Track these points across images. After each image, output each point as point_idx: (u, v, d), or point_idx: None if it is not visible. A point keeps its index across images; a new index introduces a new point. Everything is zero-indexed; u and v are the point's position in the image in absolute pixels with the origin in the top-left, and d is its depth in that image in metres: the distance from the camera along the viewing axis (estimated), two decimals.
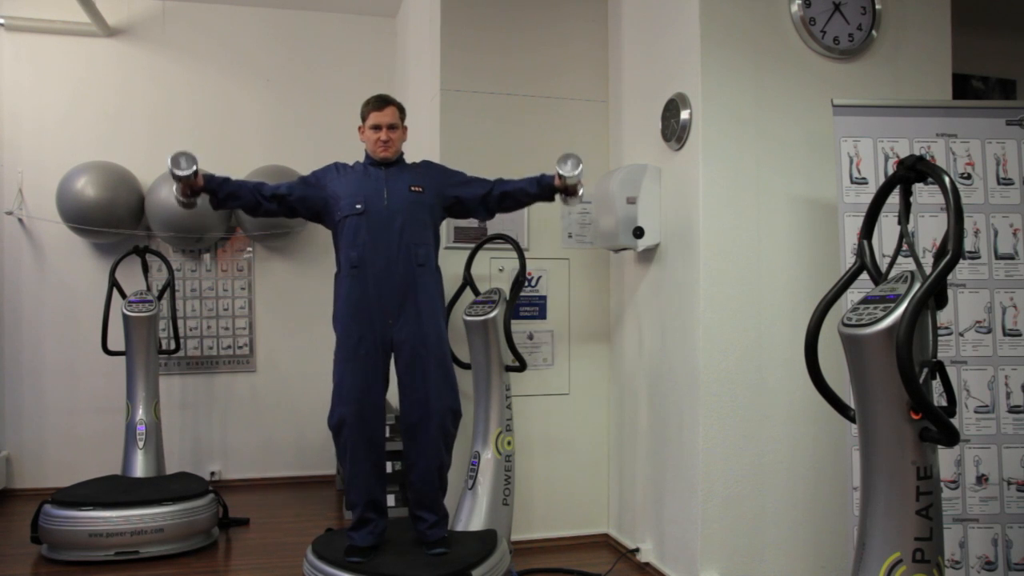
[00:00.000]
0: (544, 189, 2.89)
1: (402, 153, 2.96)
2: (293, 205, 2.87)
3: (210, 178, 2.74)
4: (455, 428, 2.86)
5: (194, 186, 2.66)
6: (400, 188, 2.83)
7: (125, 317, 3.89)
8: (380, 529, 2.82)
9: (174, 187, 2.67)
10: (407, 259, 2.78)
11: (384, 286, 2.75)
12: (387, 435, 2.89)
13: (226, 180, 2.80)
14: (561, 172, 2.78)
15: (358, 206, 2.78)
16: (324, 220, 2.92)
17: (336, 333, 2.83)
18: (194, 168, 2.62)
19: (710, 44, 2.94)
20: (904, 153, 2.68)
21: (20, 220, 4.55)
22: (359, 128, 2.93)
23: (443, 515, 2.87)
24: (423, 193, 2.86)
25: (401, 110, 2.92)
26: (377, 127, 2.85)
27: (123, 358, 3.95)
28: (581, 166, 2.78)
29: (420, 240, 2.82)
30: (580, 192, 2.85)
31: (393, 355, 2.81)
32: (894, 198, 1.89)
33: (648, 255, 3.35)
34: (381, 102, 2.87)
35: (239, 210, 2.87)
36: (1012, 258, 2.70)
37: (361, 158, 2.98)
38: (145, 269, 4.24)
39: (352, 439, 2.73)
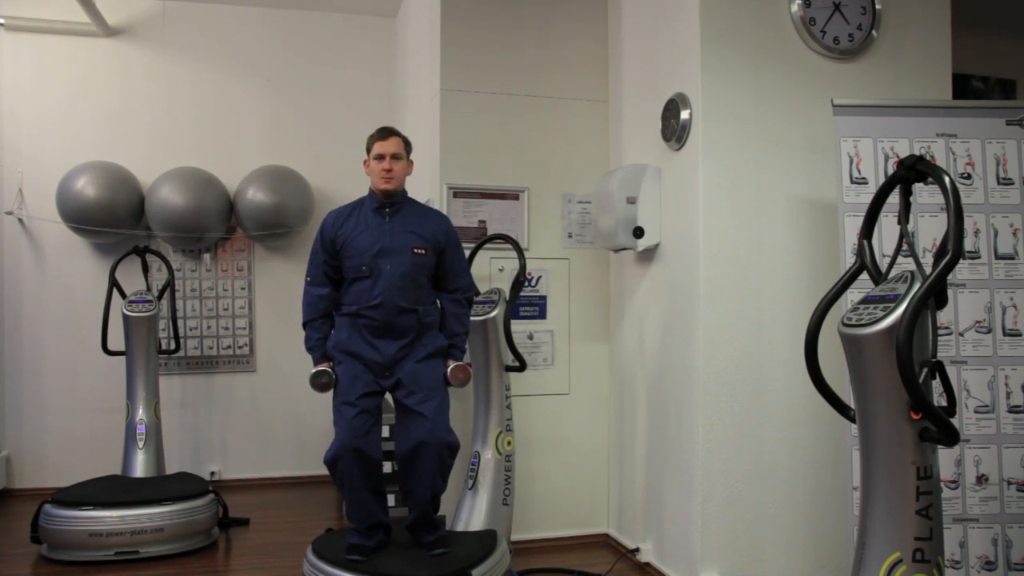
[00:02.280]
0: (442, 352, 2.87)
1: (406, 192, 2.92)
2: (336, 277, 2.85)
3: (324, 355, 2.82)
4: (452, 460, 2.82)
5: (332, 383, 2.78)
6: (404, 245, 2.79)
7: (125, 317, 3.89)
8: (384, 537, 2.82)
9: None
10: (408, 319, 2.77)
11: (383, 344, 2.76)
12: (386, 435, 2.89)
13: (322, 339, 2.84)
14: (448, 376, 2.84)
15: (363, 268, 2.77)
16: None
17: (336, 375, 2.79)
18: (334, 379, 2.77)
19: (710, 44, 2.94)
20: (904, 153, 2.68)
21: (20, 220, 4.55)
22: (364, 161, 2.88)
23: (439, 524, 2.86)
24: (425, 255, 2.82)
25: (406, 143, 2.88)
26: (381, 157, 2.81)
27: (123, 358, 3.96)
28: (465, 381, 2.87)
29: (419, 299, 2.80)
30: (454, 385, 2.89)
31: (391, 395, 2.82)
32: (894, 198, 1.89)
33: (648, 255, 3.35)
34: (385, 132, 2.85)
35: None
36: (1012, 258, 2.70)
37: (364, 190, 2.93)
38: (145, 269, 4.24)
39: (350, 472, 2.70)
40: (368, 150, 2.87)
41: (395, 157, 2.82)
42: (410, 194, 2.97)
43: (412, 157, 2.93)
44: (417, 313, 2.79)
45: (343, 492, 2.80)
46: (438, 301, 2.93)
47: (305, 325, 2.86)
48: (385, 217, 2.84)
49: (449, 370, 2.84)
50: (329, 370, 2.77)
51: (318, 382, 2.76)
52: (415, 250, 2.80)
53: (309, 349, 2.84)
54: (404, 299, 2.76)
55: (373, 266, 2.76)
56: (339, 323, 2.83)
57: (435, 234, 2.86)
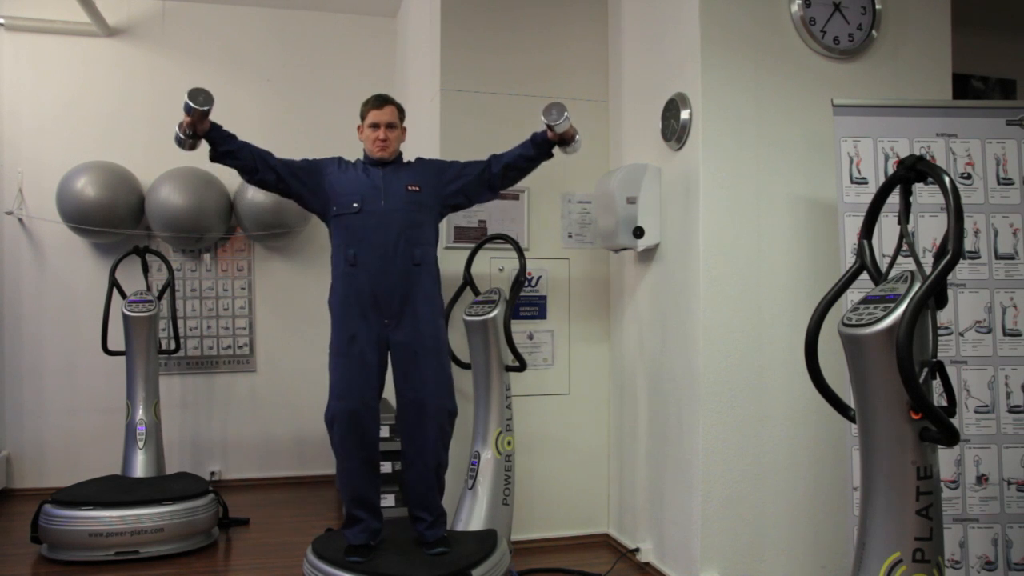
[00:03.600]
0: (540, 146, 2.86)
1: (400, 154, 2.96)
2: (289, 181, 2.85)
3: (217, 127, 2.73)
4: (451, 428, 2.86)
5: (200, 126, 2.66)
6: (397, 188, 2.83)
7: (125, 317, 3.89)
8: (372, 528, 2.81)
9: (178, 125, 2.66)
10: (404, 259, 2.77)
11: (380, 286, 2.75)
12: (386, 435, 2.89)
13: (232, 136, 2.79)
14: (548, 122, 2.76)
15: (354, 204, 2.78)
16: (314, 205, 2.90)
17: (332, 324, 2.82)
18: (208, 108, 2.62)
19: (710, 44, 2.94)
20: (904, 153, 2.68)
21: (20, 220, 4.55)
22: (358, 128, 2.94)
23: (440, 514, 2.86)
24: (420, 192, 2.85)
25: (400, 110, 2.92)
26: (376, 125, 2.85)
27: (123, 358, 3.95)
28: (566, 113, 2.75)
29: (417, 240, 2.81)
30: (577, 136, 2.82)
31: (390, 354, 2.81)
32: (894, 198, 1.89)
33: (648, 255, 3.35)
34: (380, 101, 2.88)
35: (235, 170, 2.85)
36: (1012, 258, 2.70)
37: (360, 157, 2.98)
38: (145, 269, 4.24)
39: (342, 435, 2.73)
40: (363, 116, 2.90)
41: (390, 126, 2.86)
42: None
43: (406, 125, 2.97)
44: (415, 251, 2.79)
45: (336, 458, 2.82)
46: (492, 171, 2.91)
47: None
48: (379, 170, 2.88)
49: (547, 132, 2.79)
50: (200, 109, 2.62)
51: (196, 97, 2.59)
52: (409, 187, 2.83)
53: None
54: (401, 232, 2.77)
55: (365, 201, 2.78)
56: (336, 275, 2.83)
57: (427, 174, 2.90)
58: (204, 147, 2.84)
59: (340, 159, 2.95)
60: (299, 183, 2.86)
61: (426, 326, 2.79)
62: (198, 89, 2.61)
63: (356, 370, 2.73)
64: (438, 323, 2.85)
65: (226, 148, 2.77)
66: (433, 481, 2.82)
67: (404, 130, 2.96)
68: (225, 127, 2.81)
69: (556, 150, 2.88)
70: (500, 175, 2.93)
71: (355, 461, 2.76)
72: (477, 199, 3.02)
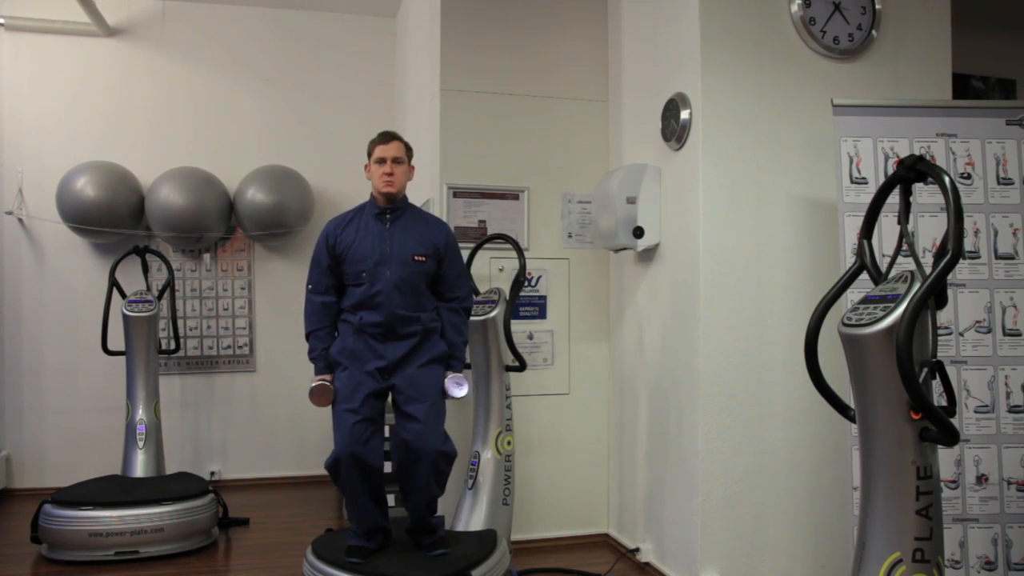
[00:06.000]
0: (441, 361, 2.86)
1: (405, 197, 2.91)
2: (337, 284, 2.84)
3: (328, 365, 2.79)
4: (449, 468, 2.81)
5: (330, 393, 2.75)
6: (404, 254, 2.78)
7: (125, 317, 3.89)
8: (384, 540, 2.83)
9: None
10: (410, 325, 2.76)
11: (386, 348, 2.74)
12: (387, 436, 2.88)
13: (326, 350, 2.80)
14: (447, 387, 2.82)
15: (363, 274, 2.76)
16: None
17: (335, 375, 2.79)
18: (333, 396, 2.74)
19: (710, 44, 2.94)
20: (904, 153, 2.68)
21: (20, 220, 4.55)
22: (365, 166, 2.88)
23: (437, 526, 2.86)
24: (425, 263, 2.81)
25: (408, 147, 2.88)
26: (382, 160, 2.80)
27: (123, 358, 3.96)
28: (464, 392, 2.83)
29: (422, 307, 2.80)
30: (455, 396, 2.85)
31: (390, 393, 2.81)
32: (894, 198, 1.89)
33: (648, 255, 3.35)
34: (387, 136, 2.84)
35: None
36: (1012, 258, 2.70)
37: (365, 195, 2.93)
38: (145, 269, 4.24)
39: (350, 478, 2.70)
40: (369, 154, 2.86)
41: (396, 161, 2.81)
42: (411, 197, 2.97)
43: (413, 161, 2.92)
44: (419, 319, 2.78)
45: (344, 495, 2.80)
46: (445, 301, 2.91)
47: (309, 335, 2.84)
48: (386, 223, 2.82)
49: (446, 381, 2.82)
50: (329, 384, 2.75)
51: (320, 397, 2.74)
52: (416, 257, 2.79)
53: (313, 359, 2.81)
54: (405, 306, 2.76)
55: (374, 273, 2.75)
56: (343, 330, 2.82)
57: (435, 241, 2.85)
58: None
59: (339, 219, 2.87)
60: (338, 278, 2.83)
61: (423, 378, 2.77)
62: (317, 391, 2.75)
63: (358, 416, 2.69)
64: (437, 373, 2.82)
65: (334, 349, 2.81)
66: (427, 512, 2.80)
67: (412, 169, 2.91)
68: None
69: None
70: (443, 309, 2.89)
71: (365, 498, 2.74)
72: (431, 285, 2.91)
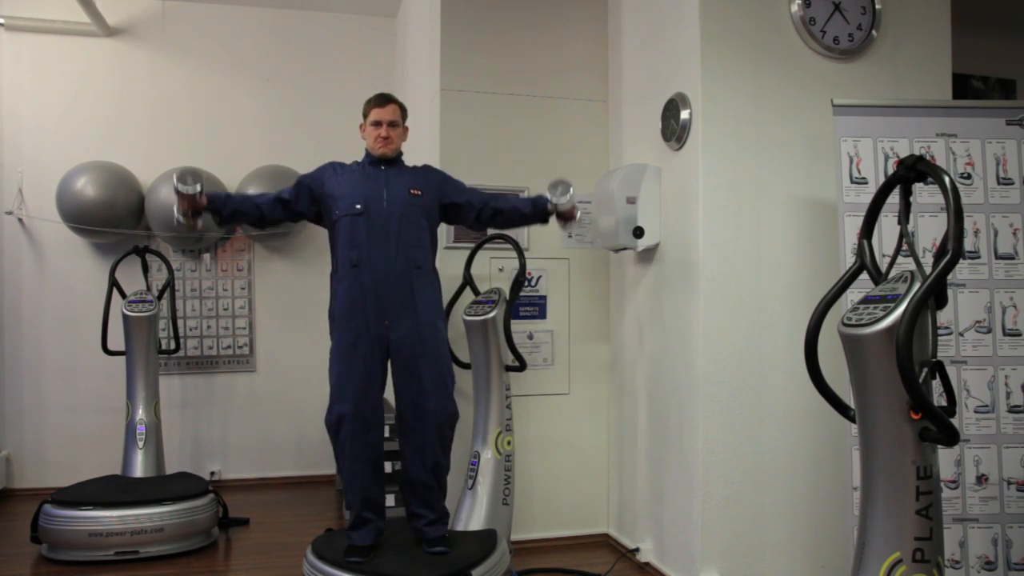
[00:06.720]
0: (538, 212, 2.91)
1: (401, 154, 2.97)
2: (297, 204, 2.88)
3: (213, 197, 2.74)
4: (451, 431, 2.86)
5: (198, 205, 2.65)
6: (399, 189, 2.84)
7: (125, 317, 3.89)
8: (379, 528, 2.82)
9: (175, 206, 2.62)
10: (405, 260, 2.78)
11: (382, 287, 2.75)
12: (386, 435, 2.89)
13: (229, 197, 2.82)
14: (551, 197, 2.81)
15: (357, 206, 2.79)
16: (323, 216, 2.93)
17: (332, 332, 2.83)
18: (199, 185, 2.60)
19: (710, 44, 2.94)
20: (904, 153, 2.68)
21: (20, 220, 4.55)
22: (360, 125, 2.95)
23: (441, 514, 2.86)
24: (421, 196, 2.87)
25: (403, 109, 2.94)
26: (378, 123, 2.86)
27: (123, 358, 3.95)
28: (572, 191, 2.80)
29: (417, 242, 2.82)
30: (578, 216, 2.87)
31: (390, 356, 2.81)
32: (894, 198, 1.89)
33: (648, 255, 3.35)
34: (383, 99, 2.90)
35: (248, 225, 2.87)
36: (1012, 258, 2.70)
37: (360, 157, 2.98)
38: (145, 269, 4.24)
39: (350, 438, 2.73)
40: (365, 115, 2.91)
41: (392, 124, 2.87)
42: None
43: (408, 124, 2.98)
44: (415, 256, 2.80)
45: (340, 461, 2.81)
46: (486, 208, 2.93)
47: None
48: (381, 169, 2.89)
49: (559, 205, 2.81)
50: (198, 195, 2.60)
51: (182, 200, 2.56)
52: (411, 191, 2.85)
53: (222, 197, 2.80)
54: (402, 234, 2.78)
55: (369, 202, 2.79)
56: (338, 280, 2.83)
57: (430, 180, 2.93)
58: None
59: (333, 164, 2.95)
60: (307, 201, 2.88)
61: (426, 328, 2.79)
62: (185, 171, 2.60)
63: (359, 372, 2.73)
64: (437, 325, 2.86)
65: (230, 210, 2.80)
66: (431, 479, 2.81)
67: (406, 129, 2.97)
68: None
69: (554, 221, 2.91)
70: (490, 215, 2.96)
71: (362, 463, 2.75)
72: (464, 222, 3.04)
